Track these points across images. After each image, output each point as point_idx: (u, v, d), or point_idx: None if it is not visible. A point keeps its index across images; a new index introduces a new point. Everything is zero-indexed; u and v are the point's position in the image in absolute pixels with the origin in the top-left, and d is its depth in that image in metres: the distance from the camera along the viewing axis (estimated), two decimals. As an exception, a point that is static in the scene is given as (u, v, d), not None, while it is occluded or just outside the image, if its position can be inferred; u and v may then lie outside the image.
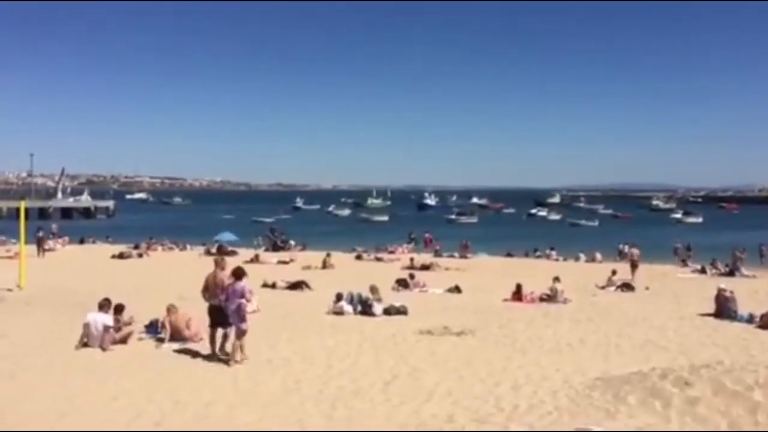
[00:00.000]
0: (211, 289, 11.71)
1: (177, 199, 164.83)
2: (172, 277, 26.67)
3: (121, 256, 35.36)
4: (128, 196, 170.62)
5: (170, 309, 13.30)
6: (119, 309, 13.26)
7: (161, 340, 12.90)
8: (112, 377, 10.20)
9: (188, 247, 43.16)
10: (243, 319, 11.31)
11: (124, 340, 12.75)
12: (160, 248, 41.38)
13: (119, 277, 25.45)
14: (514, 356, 12.04)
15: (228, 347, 11.56)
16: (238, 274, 11.47)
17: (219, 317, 11.57)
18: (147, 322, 13.98)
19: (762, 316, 16.38)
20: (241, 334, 11.30)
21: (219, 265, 12.05)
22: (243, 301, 11.33)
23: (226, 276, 11.67)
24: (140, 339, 13.20)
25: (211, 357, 11.55)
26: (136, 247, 39.46)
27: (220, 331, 11.78)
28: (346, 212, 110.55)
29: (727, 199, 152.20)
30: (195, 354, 11.94)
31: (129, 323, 13.40)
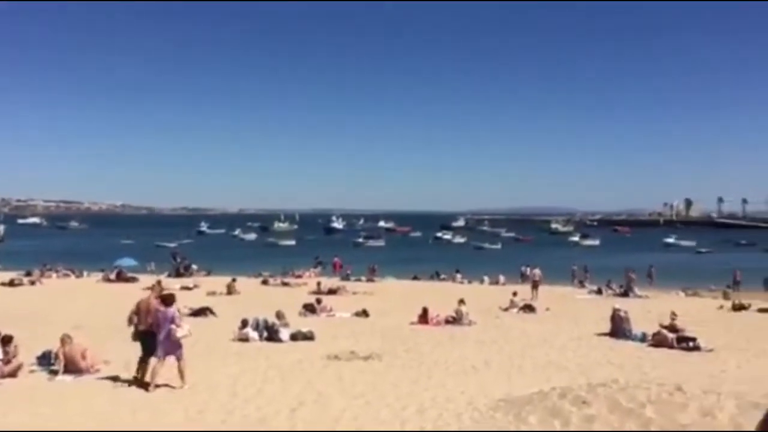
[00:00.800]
0: (143, 314, 11.49)
1: (73, 224, 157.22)
2: (67, 305, 25.39)
3: (11, 283, 33.34)
4: (20, 221, 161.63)
5: (64, 339, 12.63)
6: (7, 340, 12.49)
7: (55, 372, 12.23)
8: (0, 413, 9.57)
9: (85, 273, 41.30)
10: (179, 345, 11.21)
11: (13, 374, 12.00)
12: (54, 275, 39.39)
13: (10, 306, 23.96)
14: (421, 379, 12.14)
15: (147, 377, 11.22)
16: (168, 300, 11.42)
17: (152, 344, 11.29)
18: (39, 354, 13.22)
19: (654, 335, 17.25)
20: (180, 358, 11.22)
21: (155, 291, 11.95)
22: (173, 326, 11.18)
23: (158, 303, 11.51)
24: (32, 371, 12.46)
25: (112, 388, 11.07)
26: (29, 274, 37.38)
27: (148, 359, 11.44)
28: (253, 236, 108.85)
29: (621, 223, 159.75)
30: (91, 386, 11.37)
31: (17, 355, 12.63)
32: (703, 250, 77.83)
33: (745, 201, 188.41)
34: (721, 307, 26.65)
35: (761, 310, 24.93)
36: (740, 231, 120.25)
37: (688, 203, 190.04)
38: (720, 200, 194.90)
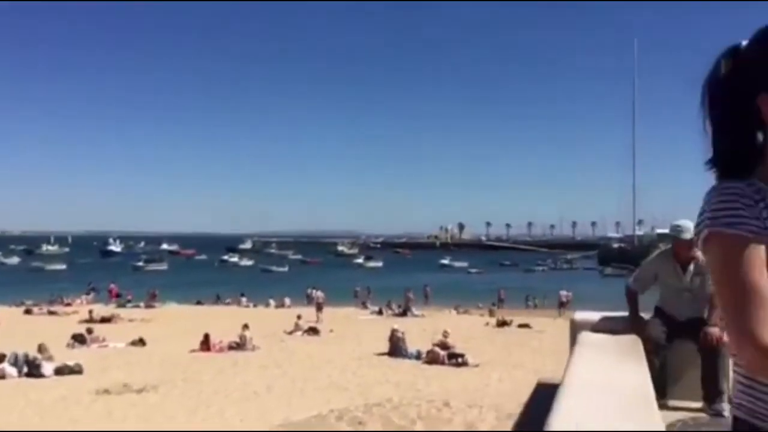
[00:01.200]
0: None
1: None
2: None
3: None
4: None
5: None
6: None
7: None
8: None
9: None
10: None
11: None
12: None
13: None
14: (199, 409, 11.75)
15: None
16: None
17: None
18: None
19: (428, 353, 18.28)
20: None
21: None
22: None
23: None
24: None
25: None
26: None
27: None
28: (15, 260, 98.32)
29: (402, 245, 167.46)
30: None
31: None
32: (474, 270, 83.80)
33: (509, 225, 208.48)
34: (487, 323, 28.94)
35: (521, 326, 27.45)
36: (505, 252, 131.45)
37: (461, 227, 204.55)
38: (488, 224, 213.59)
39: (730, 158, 1.39)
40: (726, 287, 1.30)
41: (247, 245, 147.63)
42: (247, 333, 20.79)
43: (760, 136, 1.38)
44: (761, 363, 1.27)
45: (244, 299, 40.44)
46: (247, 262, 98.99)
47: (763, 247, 1.29)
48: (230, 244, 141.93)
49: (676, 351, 5.33)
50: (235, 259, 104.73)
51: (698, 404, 5.10)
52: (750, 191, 1.33)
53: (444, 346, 18.64)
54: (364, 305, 38.36)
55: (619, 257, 74.29)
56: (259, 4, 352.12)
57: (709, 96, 1.41)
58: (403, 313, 32.38)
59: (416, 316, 32.07)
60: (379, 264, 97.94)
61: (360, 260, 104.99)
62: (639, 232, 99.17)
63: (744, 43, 1.38)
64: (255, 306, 39.03)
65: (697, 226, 1.39)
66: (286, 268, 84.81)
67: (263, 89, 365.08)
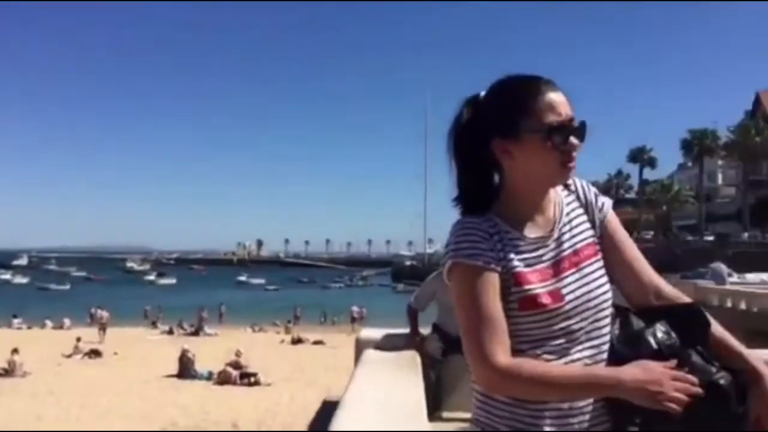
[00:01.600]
0: None
1: None
2: None
3: None
4: None
5: None
6: None
7: None
8: None
9: None
10: None
11: None
12: None
13: None
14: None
15: None
16: None
17: None
18: None
19: (219, 373, 17.83)
20: None
21: None
22: None
23: None
24: None
25: None
26: None
27: None
28: None
29: (197, 261, 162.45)
30: None
31: None
32: (271, 287, 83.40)
33: (307, 242, 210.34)
34: (283, 341, 28.91)
35: (315, 343, 27.76)
36: (303, 269, 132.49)
37: (260, 243, 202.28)
38: (287, 241, 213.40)
39: (471, 196, 1.54)
40: (464, 313, 1.44)
41: (23, 261, 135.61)
42: (17, 358, 18.96)
43: (496, 177, 1.55)
44: (495, 382, 1.42)
45: (16, 320, 36.79)
46: (21, 280, 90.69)
47: (497, 276, 1.44)
48: (2, 260, 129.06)
49: (451, 365, 5.70)
50: (7, 276, 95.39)
51: (470, 415, 5.49)
52: (486, 226, 1.48)
53: (236, 365, 18.28)
54: (154, 325, 36.61)
55: (411, 274, 77.96)
56: None
57: (453, 140, 1.56)
58: (196, 333, 31.38)
59: (210, 335, 31.20)
60: (173, 281, 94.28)
61: (151, 277, 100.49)
62: (429, 250, 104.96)
63: (482, 93, 1.54)
64: (29, 328, 35.70)
65: (443, 256, 1.53)
66: (67, 286, 78.75)
67: (55, 92, 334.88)
